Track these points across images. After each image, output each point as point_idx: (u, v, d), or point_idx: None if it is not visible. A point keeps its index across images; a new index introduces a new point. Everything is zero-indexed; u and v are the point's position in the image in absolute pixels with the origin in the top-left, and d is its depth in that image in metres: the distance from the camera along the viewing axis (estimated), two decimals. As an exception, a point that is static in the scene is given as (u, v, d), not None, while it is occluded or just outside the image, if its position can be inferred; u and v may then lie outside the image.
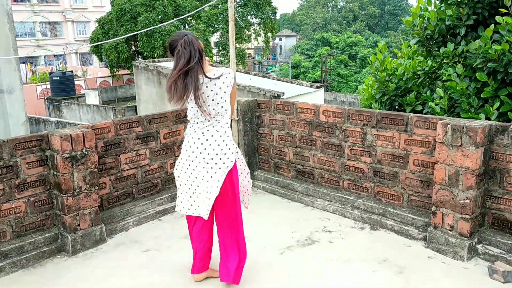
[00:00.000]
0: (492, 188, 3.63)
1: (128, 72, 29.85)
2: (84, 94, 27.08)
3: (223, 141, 3.04)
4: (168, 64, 17.89)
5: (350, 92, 35.45)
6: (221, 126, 3.06)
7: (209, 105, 2.98)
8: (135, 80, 18.21)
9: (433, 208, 3.77)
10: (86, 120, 23.34)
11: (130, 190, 4.62)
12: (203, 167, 3.06)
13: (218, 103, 3.00)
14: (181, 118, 4.95)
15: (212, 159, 3.03)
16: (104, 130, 4.36)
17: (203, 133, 3.05)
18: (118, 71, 30.17)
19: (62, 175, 3.87)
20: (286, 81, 18.20)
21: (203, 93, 2.95)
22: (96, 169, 4.08)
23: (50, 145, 3.93)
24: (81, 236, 4.03)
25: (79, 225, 4.03)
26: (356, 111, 4.43)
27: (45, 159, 3.95)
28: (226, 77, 3.02)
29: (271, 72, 46.38)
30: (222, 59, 31.12)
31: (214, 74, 2.99)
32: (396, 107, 5.70)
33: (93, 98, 26.19)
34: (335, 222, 4.42)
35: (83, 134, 3.97)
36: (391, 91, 5.61)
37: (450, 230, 3.69)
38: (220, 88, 3.00)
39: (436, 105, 4.66)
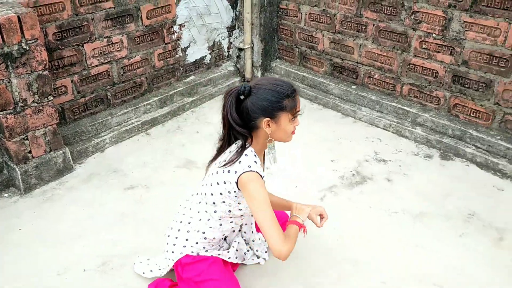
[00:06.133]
0: None
1: None
2: None
3: (178, 230, 1.99)
4: None
5: None
6: (199, 219, 1.95)
7: (204, 177, 1.97)
8: None
9: (552, 143, 2.55)
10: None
11: (103, 94, 3.28)
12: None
13: (206, 184, 1.90)
14: (171, -14, 3.38)
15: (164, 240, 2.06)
16: (56, 7, 2.85)
17: (186, 199, 2.10)
18: None
19: (-8, 83, 2.51)
20: None
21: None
22: (46, 71, 2.69)
23: (-34, 34, 2.47)
24: (35, 166, 2.82)
25: (30, 152, 2.79)
26: (440, -17, 2.91)
27: (-37, 56, 2.54)
28: (229, 171, 1.76)
29: None
30: None
31: (225, 160, 1.80)
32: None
33: None
34: (389, 145, 3.22)
35: (18, 18, 2.50)
36: None
37: None
38: (217, 173, 1.83)
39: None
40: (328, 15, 3.57)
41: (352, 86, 3.62)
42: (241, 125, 1.74)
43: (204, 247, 1.94)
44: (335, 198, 2.72)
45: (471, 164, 2.99)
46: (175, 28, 3.53)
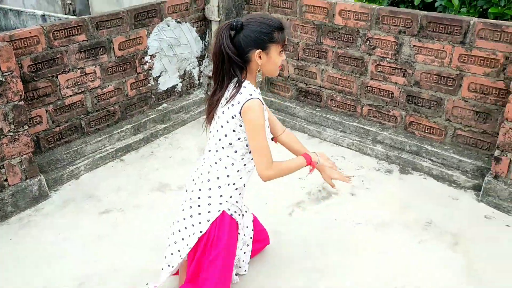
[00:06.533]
0: None
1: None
2: (26, -25, 23.63)
3: (209, 189, 1.99)
4: None
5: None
6: (225, 167, 1.96)
7: (210, 131, 2.03)
8: (83, -40, 15.54)
9: (497, 153, 2.79)
10: (30, 6, 20.48)
11: (77, 123, 3.38)
12: (184, 209, 2.06)
13: (217, 131, 1.95)
14: (141, 19, 3.56)
15: (191, 206, 2.03)
16: (30, 41, 2.98)
17: (202, 164, 2.06)
18: None
19: (-32, 114, 2.61)
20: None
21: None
22: (22, 101, 2.80)
23: None
24: (11, 194, 2.88)
25: (6, 180, 2.86)
26: (390, 12, 3.18)
27: None
28: (232, 105, 1.86)
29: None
30: None
31: (226, 98, 1.89)
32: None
33: (36, -20, 22.92)
34: (352, 162, 3.42)
35: (-6, 51, 2.63)
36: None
37: (518, 183, 2.76)
38: (223, 113, 1.91)
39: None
40: (291, 44, 3.80)
41: (317, 109, 3.83)
42: (237, 55, 1.80)
43: (237, 202, 2.00)
44: (303, 212, 2.88)
45: (428, 176, 3.21)
46: (147, 58, 3.70)
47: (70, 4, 20.02)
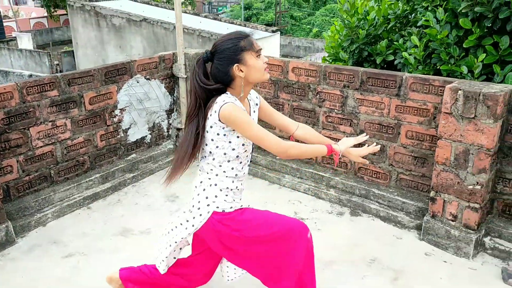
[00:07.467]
0: (506, 169, 2.92)
1: (66, 12, 27.28)
2: (16, 37, 24.45)
3: (198, 194, 2.14)
4: (107, 4, 16.07)
5: (303, 36, 34.21)
6: (206, 172, 2.12)
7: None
8: (71, 22, 16.29)
9: (432, 194, 3.04)
10: (18, 66, 21.06)
11: (47, 172, 3.58)
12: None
13: (205, 137, 2.08)
14: (112, 76, 3.86)
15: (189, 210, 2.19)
16: (5, 96, 3.23)
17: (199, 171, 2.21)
18: (56, 11, 27.46)
19: None
20: (240, 25, 16.87)
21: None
22: (-7, 151, 3.02)
23: None
24: (-22, 240, 3.02)
25: (-26, 226, 3.01)
26: (335, 69, 3.52)
27: None
28: (211, 115, 2.00)
29: (222, 13, 44.03)
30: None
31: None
32: (365, 56, 4.84)
33: (26, 41, 23.71)
34: (308, 206, 3.63)
35: (-32, 105, 2.87)
36: (361, 39, 4.72)
37: (453, 221, 2.99)
38: (208, 119, 2.03)
39: (409, 55, 3.86)
40: (252, 97, 4.12)
41: (277, 157, 4.09)
42: (212, 84, 1.95)
43: (225, 200, 2.07)
44: (256, 253, 3.05)
45: (375, 218, 3.43)
46: (117, 112, 3.97)
47: (58, 64, 20.60)
